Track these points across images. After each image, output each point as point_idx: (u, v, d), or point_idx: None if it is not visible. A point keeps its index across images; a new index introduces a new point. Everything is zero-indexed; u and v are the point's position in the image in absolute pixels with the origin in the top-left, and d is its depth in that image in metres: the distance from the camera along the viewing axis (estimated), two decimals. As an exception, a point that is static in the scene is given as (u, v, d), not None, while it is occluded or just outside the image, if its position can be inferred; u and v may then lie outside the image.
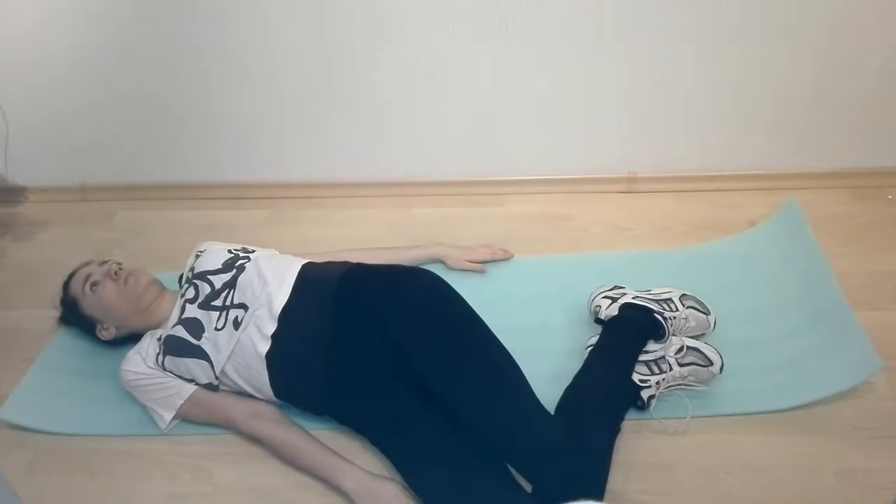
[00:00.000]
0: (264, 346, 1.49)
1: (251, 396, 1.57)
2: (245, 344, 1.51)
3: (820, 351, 1.57)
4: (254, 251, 1.68)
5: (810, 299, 1.69)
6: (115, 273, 1.66)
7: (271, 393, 1.53)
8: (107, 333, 1.68)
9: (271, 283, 1.55)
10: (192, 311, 1.58)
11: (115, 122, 2.23)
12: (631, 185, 2.18)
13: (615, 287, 1.69)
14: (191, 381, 1.57)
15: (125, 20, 2.00)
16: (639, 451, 1.46)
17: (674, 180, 2.16)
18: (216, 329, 1.54)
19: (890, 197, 2.07)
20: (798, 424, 1.47)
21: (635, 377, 1.52)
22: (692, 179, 2.16)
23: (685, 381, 1.53)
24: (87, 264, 1.72)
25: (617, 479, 1.40)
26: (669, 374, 1.52)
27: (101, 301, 1.65)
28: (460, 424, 1.37)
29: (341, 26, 1.95)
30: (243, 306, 1.55)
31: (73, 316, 1.70)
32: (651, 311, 1.59)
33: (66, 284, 1.71)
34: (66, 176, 2.37)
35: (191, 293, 1.61)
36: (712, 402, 1.53)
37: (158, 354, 1.57)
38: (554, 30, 1.91)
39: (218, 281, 1.61)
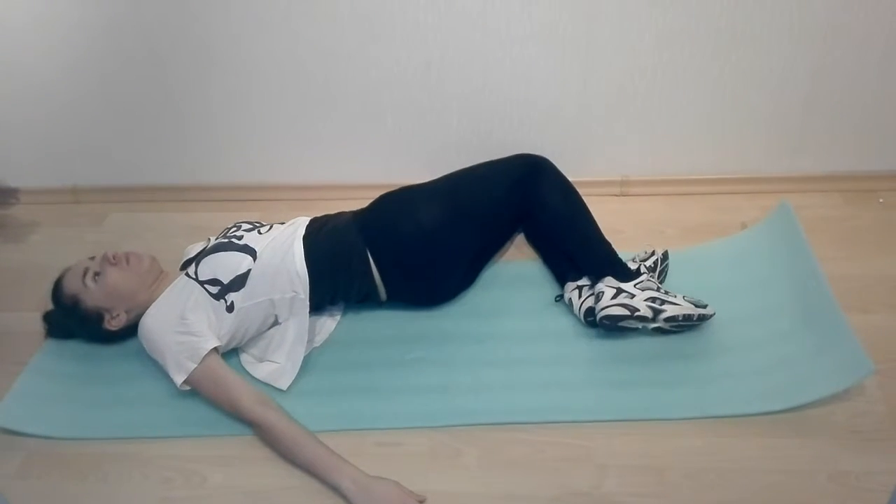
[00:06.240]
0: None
1: (274, 296, 1.65)
2: (289, 228, 1.75)
3: (811, 353, 1.57)
4: None
5: (802, 302, 1.69)
6: (114, 257, 1.67)
7: (302, 253, 1.66)
8: (117, 322, 1.67)
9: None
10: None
11: (107, 124, 2.22)
12: (623, 188, 2.18)
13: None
14: (217, 283, 1.63)
15: (117, 21, 2.00)
16: (631, 453, 1.46)
17: (666, 183, 2.17)
18: (259, 234, 1.74)
19: (882, 200, 2.08)
20: (790, 428, 1.47)
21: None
22: (684, 183, 2.16)
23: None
24: (70, 269, 1.71)
25: (609, 480, 1.41)
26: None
27: (108, 286, 1.65)
28: None
29: (334, 28, 1.95)
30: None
31: (74, 316, 1.68)
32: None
33: (59, 288, 1.69)
34: (57, 177, 2.36)
35: (229, 232, 1.79)
36: (704, 405, 1.53)
37: (186, 272, 1.67)
38: (547, 31, 1.91)
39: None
